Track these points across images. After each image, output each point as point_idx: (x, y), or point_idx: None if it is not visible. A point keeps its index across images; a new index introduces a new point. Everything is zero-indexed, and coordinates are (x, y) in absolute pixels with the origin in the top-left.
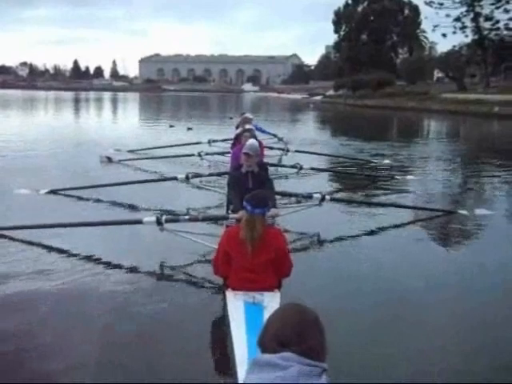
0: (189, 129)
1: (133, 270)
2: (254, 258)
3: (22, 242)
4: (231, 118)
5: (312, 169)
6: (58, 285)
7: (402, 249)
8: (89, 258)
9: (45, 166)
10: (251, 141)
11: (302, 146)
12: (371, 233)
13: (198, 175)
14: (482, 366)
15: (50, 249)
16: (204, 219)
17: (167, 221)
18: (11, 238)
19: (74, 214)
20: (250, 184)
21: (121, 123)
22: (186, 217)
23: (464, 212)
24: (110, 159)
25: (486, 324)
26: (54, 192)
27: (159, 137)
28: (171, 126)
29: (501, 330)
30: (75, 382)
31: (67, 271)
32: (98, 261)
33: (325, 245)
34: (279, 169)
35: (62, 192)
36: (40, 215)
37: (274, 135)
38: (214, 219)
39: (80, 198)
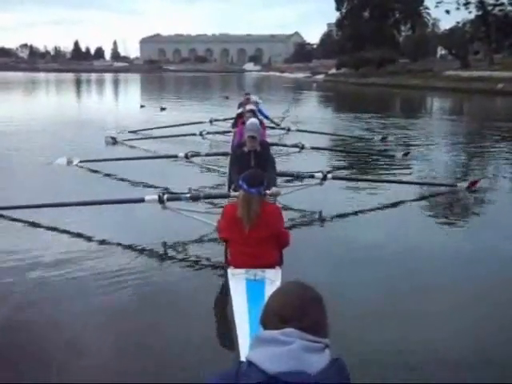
0: (162, 109)
1: (135, 247)
2: (253, 234)
3: (22, 221)
4: (227, 98)
5: (313, 148)
6: (60, 261)
7: (403, 224)
8: (89, 236)
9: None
10: (252, 120)
11: (305, 124)
12: (373, 210)
13: (197, 154)
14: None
15: (49, 227)
16: (205, 197)
17: (169, 199)
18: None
19: (87, 189)
20: (253, 163)
21: (112, 105)
22: (188, 195)
23: (463, 185)
24: (114, 139)
25: (483, 294)
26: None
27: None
28: (142, 107)
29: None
30: (75, 381)
31: (67, 248)
32: (98, 238)
33: (327, 223)
34: (281, 148)
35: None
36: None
37: (274, 122)
38: (216, 197)
39: (89, 173)
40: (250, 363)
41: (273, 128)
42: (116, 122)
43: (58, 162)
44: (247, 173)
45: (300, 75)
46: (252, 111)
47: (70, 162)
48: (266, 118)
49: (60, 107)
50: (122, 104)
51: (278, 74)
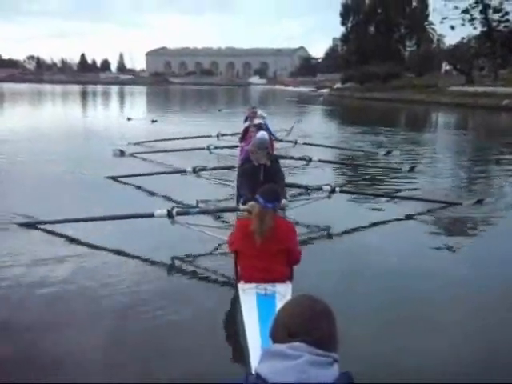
0: (153, 121)
1: (144, 262)
2: (264, 248)
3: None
4: (220, 110)
5: (321, 161)
6: (70, 275)
7: (410, 238)
8: (98, 251)
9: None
10: (261, 135)
11: (311, 138)
12: (380, 224)
13: (204, 168)
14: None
15: (54, 242)
16: (214, 211)
17: (178, 213)
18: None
19: (96, 204)
20: (262, 177)
21: (116, 118)
22: (197, 209)
23: (469, 203)
24: (122, 152)
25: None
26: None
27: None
28: (129, 119)
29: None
30: (75, 381)
31: (79, 262)
32: (107, 253)
33: (335, 236)
34: (288, 161)
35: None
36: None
37: (276, 138)
38: (225, 211)
39: (96, 188)
40: (258, 376)
41: (280, 141)
42: (121, 135)
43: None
44: (265, 188)
45: (305, 89)
46: (259, 126)
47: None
48: (270, 133)
49: (65, 119)
50: (124, 116)
51: (283, 87)
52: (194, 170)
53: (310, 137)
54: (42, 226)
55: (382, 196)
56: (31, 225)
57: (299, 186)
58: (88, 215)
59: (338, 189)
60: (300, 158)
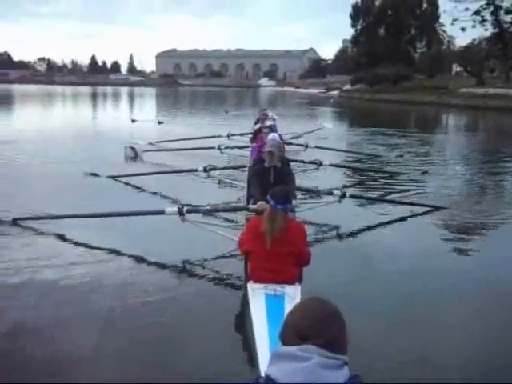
0: (159, 122)
1: (154, 260)
2: (275, 249)
3: (42, 231)
4: (226, 112)
5: (331, 165)
6: (77, 272)
7: (420, 241)
8: (108, 248)
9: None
10: (273, 136)
11: (322, 141)
12: (389, 226)
13: (215, 168)
14: None
15: (68, 238)
16: (224, 209)
17: (188, 211)
18: (29, 228)
19: (108, 201)
20: (272, 179)
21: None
22: (207, 207)
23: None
24: (133, 150)
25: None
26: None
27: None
28: (133, 121)
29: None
30: (76, 380)
31: (89, 260)
32: (117, 251)
33: (344, 239)
34: (299, 165)
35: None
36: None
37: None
38: (234, 209)
39: (109, 186)
40: (267, 378)
41: (290, 144)
42: (128, 135)
43: (86, 173)
44: (276, 189)
45: (314, 91)
46: (270, 127)
47: (93, 175)
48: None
49: (73, 120)
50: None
51: (292, 89)
52: (205, 170)
53: (325, 139)
54: (38, 223)
55: (393, 202)
56: (24, 220)
57: (309, 190)
58: (97, 212)
59: (348, 193)
60: (311, 162)
